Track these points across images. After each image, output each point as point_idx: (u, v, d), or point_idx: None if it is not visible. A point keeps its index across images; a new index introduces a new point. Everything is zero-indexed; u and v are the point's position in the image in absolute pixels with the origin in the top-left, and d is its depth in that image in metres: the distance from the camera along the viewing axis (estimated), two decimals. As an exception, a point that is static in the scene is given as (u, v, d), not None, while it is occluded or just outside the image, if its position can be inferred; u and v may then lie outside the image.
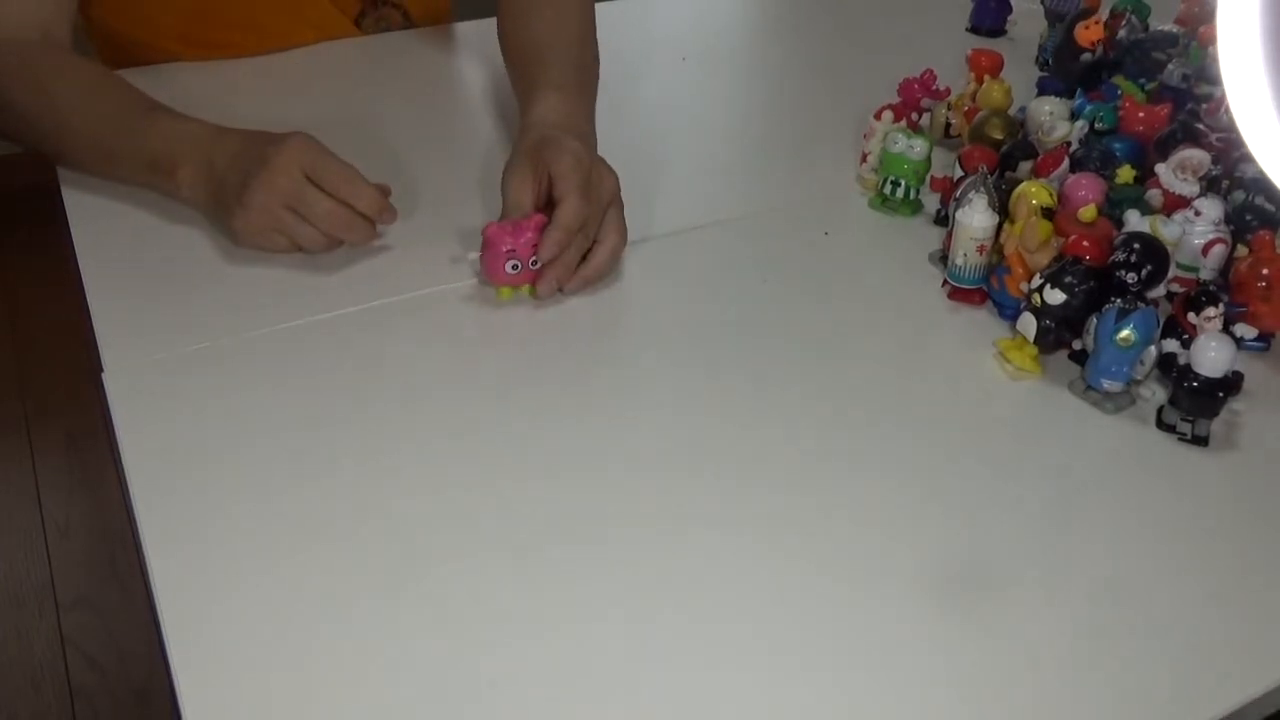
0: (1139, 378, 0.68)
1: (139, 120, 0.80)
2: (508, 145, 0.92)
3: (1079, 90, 0.92)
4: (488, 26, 1.14)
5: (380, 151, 0.90)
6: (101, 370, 0.67)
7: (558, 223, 0.72)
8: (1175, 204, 0.76)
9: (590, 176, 0.75)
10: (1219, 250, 0.72)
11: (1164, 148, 0.81)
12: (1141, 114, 0.85)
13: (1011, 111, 0.91)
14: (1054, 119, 0.86)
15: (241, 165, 0.74)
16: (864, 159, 0.89)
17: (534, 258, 0.72)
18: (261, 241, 0.76)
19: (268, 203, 0.73)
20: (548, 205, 0.75)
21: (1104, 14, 0.99)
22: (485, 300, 0.75)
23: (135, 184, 0.82)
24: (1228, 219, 0.74)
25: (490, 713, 0.49)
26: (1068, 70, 0.98)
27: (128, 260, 0.78)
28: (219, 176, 0.75)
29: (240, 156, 0.75)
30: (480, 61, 1.09)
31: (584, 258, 0.75)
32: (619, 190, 0.78)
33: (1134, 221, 0.71)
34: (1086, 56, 0.96)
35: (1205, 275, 0.73)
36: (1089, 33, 0.95)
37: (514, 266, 0.72)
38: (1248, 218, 0.74)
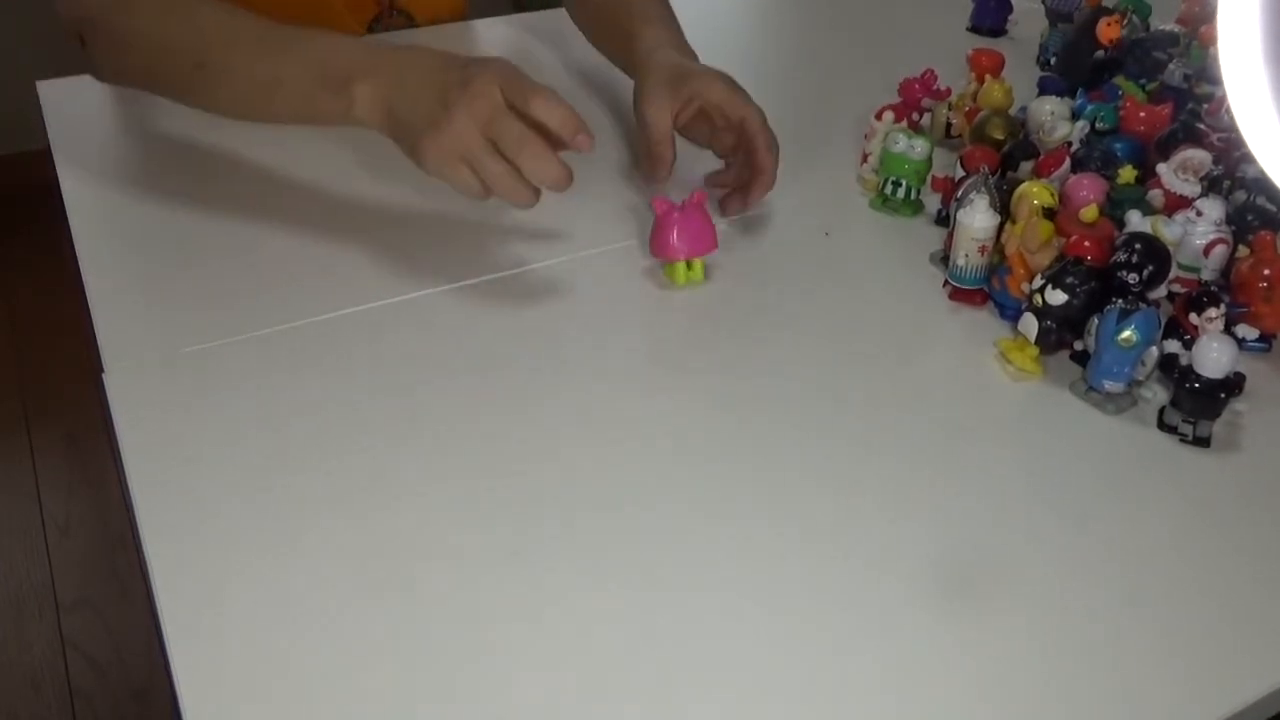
0: (1140, 379, 0.68)
1: (303, 35, 0.76)
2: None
3: (1080, 90, 0.91)
4: (501, 24, 1.15)
5: (392, 149, 0.90)
6: (101, 370, 0.67)
7: (754, 133, 0.79)
8: (1176, 204, 0.76)
9: (743, 92, 0.81)
10: (1220, 251, 0.72)
11: (1165, 148, 0.81)
12: (1142, 114, 0.85)
13: (1012, 111, 0.91)
14: (1055, 119, 0.86)
15: (437, 84, 0.70)
16: (864, 159, 0.89)
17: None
18: (448, 171, 0.70)
19: (464, 127, 0.68)
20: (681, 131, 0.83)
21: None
22: (482, 300, 0.75)
23: (290, 113, 0.78)
24: (1229, 219, 0.74)
25: (492, 711, 0.49)
26: (1077, 68, 0.98)
27: (128, 260, 0.78)
28: (409, 93, 0.71)
29: (436, 74, 0.71)
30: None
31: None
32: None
33: (1135, 222, 0.71)
34: (1099, 55, 0.96)
35: (1207, 276, 0.73)
36: (1110, 30, 0.95)
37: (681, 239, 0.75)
38: (1249, 218, 0.74)
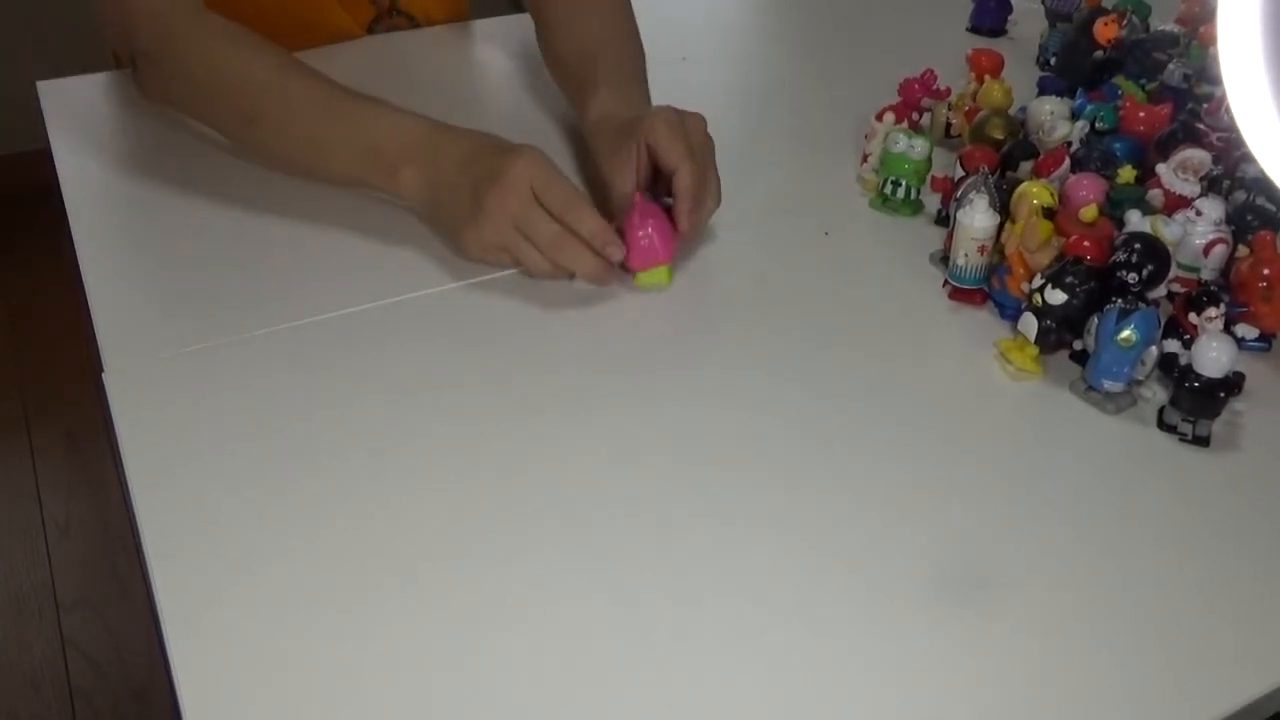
0: (1140, 378, 0.68)
1: (354, 108, 0.77)
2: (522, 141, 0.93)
3: (1080, 90, 0.92)
4: (501, 24, 1.15)
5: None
6: (101, 370, 0.67)
7: (680, 193, 0.75)
8: (1176, 204, 0.76)
9: (687, 135, 0.76)
10: (1220, 250, 0.72)
11: (1165, 147, 0.81)
12: (1142, 114, 0.85)
13: (1012, 111, 0.91)
14: (1055, 119, 0.86)
15: (471, 175, 0.72)
16: (865, 159, 0.89)
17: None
18: (488, 257, 0.75)
19: (500, 220, 0.71)
20: (654, 179, 0.78)
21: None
22: (483, 301, 0.75)
23: (338, 180, 0.79)
24: (1229, 219, 0.74)
25: (491, 711, 0.49)
26: (1077, 68, 0.98)
27: (128, 260, 0.78)
28: (446, 182, 0.74)
29: (469, 165, 0.73)
30: (493, 59, 1.10)
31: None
32: (707, 129, 0.79)
33: (1135, 221, 0.71)
34: (1098, 54, 0.96)
35: (1206, 275, 0.73)
36: (1107, 30, 0.96)
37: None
38: (1249, 218, 0.74)
